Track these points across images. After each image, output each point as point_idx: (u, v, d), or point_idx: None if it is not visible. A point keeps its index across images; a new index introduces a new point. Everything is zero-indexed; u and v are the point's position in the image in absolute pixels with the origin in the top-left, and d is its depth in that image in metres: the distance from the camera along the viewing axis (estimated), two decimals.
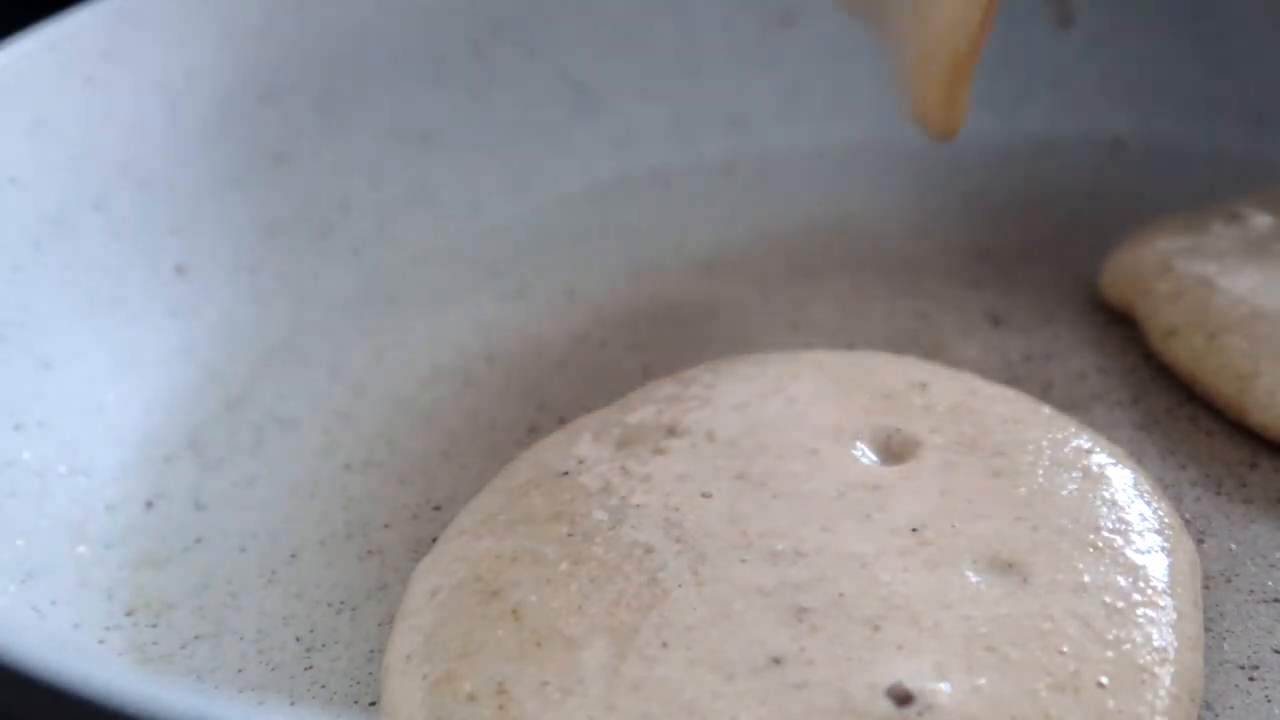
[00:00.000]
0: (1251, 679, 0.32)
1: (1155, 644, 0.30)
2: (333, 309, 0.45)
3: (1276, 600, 0.34)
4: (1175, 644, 0.30)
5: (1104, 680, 0.29)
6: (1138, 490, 0.34)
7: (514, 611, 0.31)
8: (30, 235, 0.40)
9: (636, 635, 0.30)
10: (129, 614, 0.35)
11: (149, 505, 0.38)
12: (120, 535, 0.37)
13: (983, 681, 0.28)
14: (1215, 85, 0.50)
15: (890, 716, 0.28)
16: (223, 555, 0.37)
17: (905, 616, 0.30)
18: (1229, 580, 0.34)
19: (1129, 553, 0.32)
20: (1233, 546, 0.35)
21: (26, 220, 0.40)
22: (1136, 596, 0.31)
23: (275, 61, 0.47)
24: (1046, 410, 0.36)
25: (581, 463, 0.35)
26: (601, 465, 0.35)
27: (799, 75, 0.51)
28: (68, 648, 0.32)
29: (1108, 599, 0.30)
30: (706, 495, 0.33)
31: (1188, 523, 0.35)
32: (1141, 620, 0.30)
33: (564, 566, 0.32)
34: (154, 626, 0.35)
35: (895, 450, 0.35)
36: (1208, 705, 0.31)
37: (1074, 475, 0.33)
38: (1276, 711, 0.31)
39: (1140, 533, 0.32)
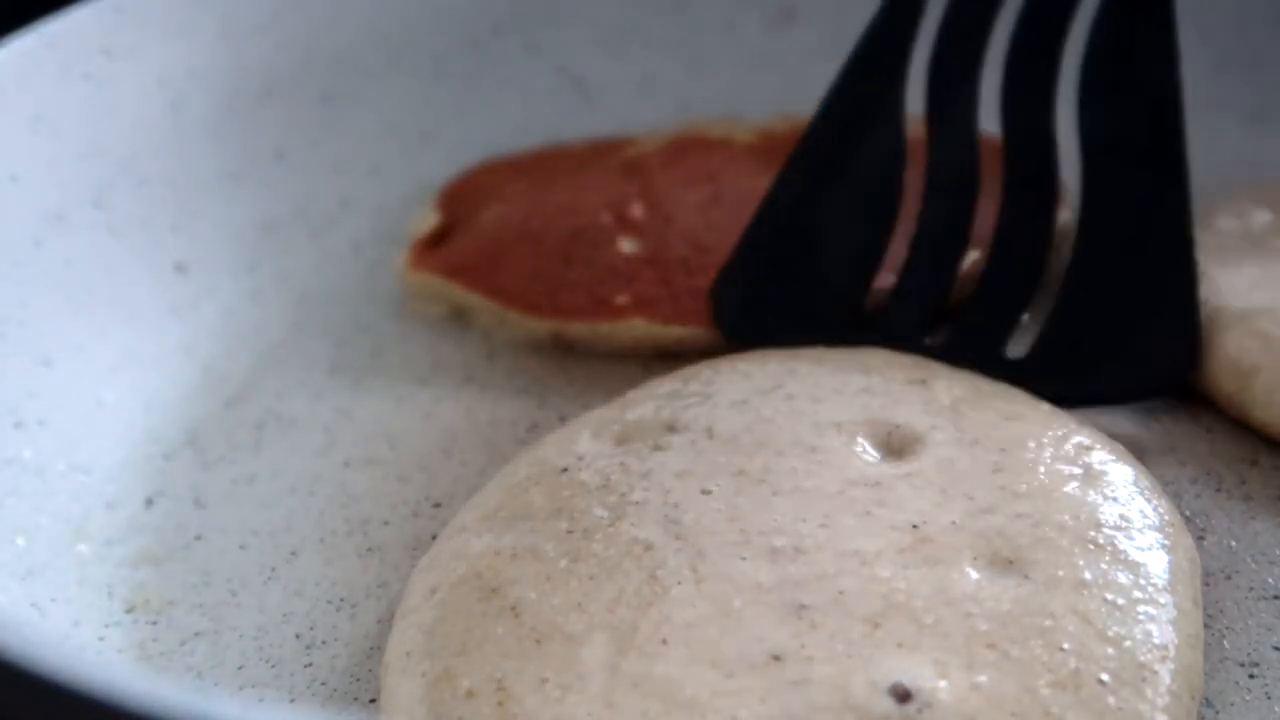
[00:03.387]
0: (1252, 676, 0.32)
1: (1156, 641, 0.30)
2: (332, 306, 0.45)
3: (1276, 597, 0.34)
4: (1175, 641, 0.30)
5: (1104, 677, 0.29)
6: (1138, 487, 0.33)
7: (513, 608, 0.31)
8: (30, 233, 0.40)
9: (636, 632, 0.30)
10: (129, 611, 0.35)
11: (149, 503, 0.38)
12: (120, 533, 0.37)
13: (983, 679, 0.28)
14: (1215, 85, 0.50)
15: (890, 714, 0.28)
16: (222, 553, 0.37)
17: (905, 614, 0.30)
18: (1229, 577, 0.34)
19: (1129, 550, 0.31)
20: (1233, 543, 0.35)
21: (26, 218, 0.40)
22: (1137, 594, 0.31)
23: (275, 59, 0.47)
24: (1046, 407, 0.36)
25: (581, 459, 0.35)
26: (601, 461, 0.34)
27: (799, 71, 0.51)
28: (67, 645, 0.32)
29: (1108, 596, 0.30)
30: (706, 492, 0.33)
31: (1187, 519, 0.35)
32: (1142, 617, 0.30)
33: (563, 563, 0.32)
34: (154, 624, 0.35)
35: (896, 446, 0.34)
36: (1208, 702, 0.31)
37: (1074, 472, 0.33)
38: (1277, 709, 0.31)
39: (1140, 530, 0.32)
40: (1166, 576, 0.31)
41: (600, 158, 0.48)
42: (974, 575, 0.31)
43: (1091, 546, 0.31)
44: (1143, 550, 0.32)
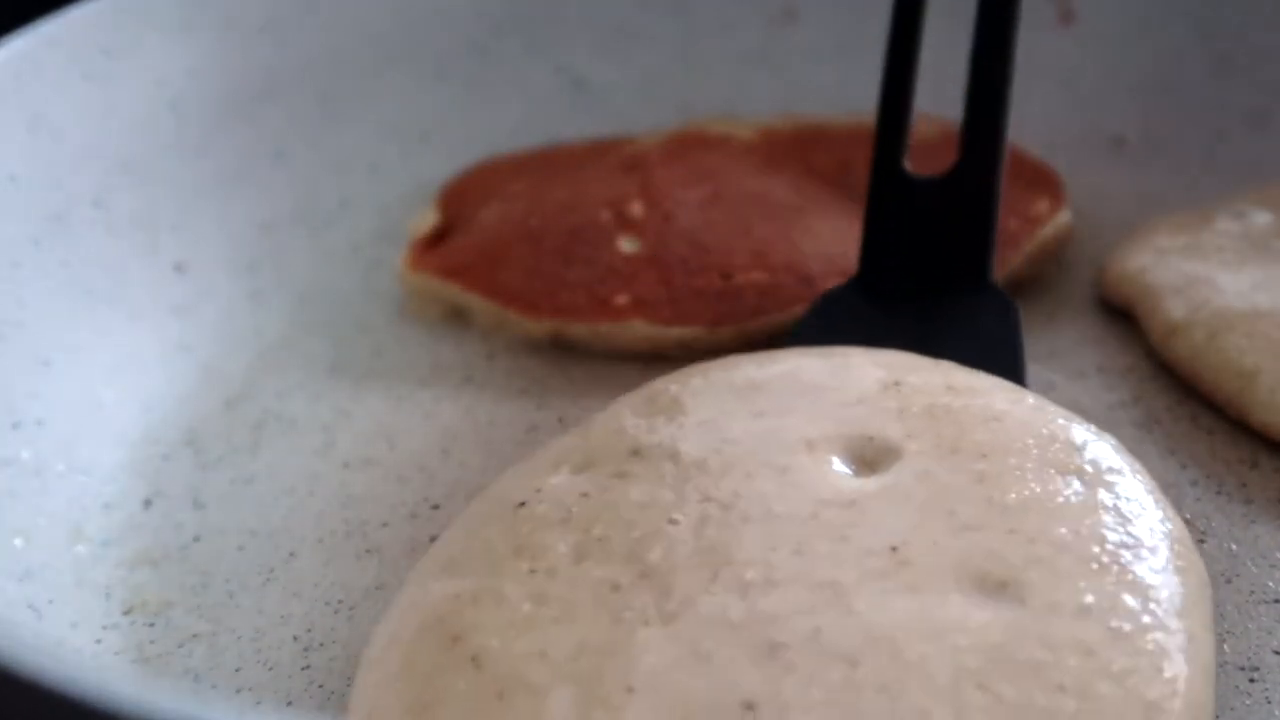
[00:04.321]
0: (1252, 680, 0.32)
1: (1165, 675, 0.27)
2: (332, 306, 0.45)
3: (1277, 601, 0.34)
4: (1186, 673, 0.27)
5: None
6: (1143, 496, 0.31)
7: (474, 659, 0.29)
8: (29, 232, 0.40)
9: (601, 682, 0.28)
10: (126, 613, 0.35)
11: (147, 504, 0.38)
12: (118, 534, 0.37)
13: None
14: (1215, 85, 0.50)
15: None
16: (221, 554, 0.37)
17: (886, 650, 0.27)
18: (1229, 581, 0.34)
19: (1137, 569, 0.29)
20: (1233, 547, 0.35)
21: (25, 217, 0.40)
22: (1146, 619, 0.28)
23: (274, 59, 0.47)
24: (1030, 400, 0.33)
25: (539, 491, 0.32)
26: (560, 493, 0.32)
27: (799, 71, 0.51)
28: (64, 647, 0.32)
29: (1113, 623, 0.28)
30: (673, 522, 0.31)
31: (1188, 522, 0.35)
32: (1150, 647, 0.27)
33: (526, 608, 0.29)
34: (151, 625, 0.35)
35: (870, 459, 0.32)
36: None
37: (1070, 479, 0.31)
38: (1277, 713, 0.31)
39: (1149, 545, 0.30)
40: (1179, 601, 0.29)
41: (600, 157, 0.48)
42: (961, 601, 0.28)
43: (1094, 566, 0.29)
44: (1152, 570, 0.29)
